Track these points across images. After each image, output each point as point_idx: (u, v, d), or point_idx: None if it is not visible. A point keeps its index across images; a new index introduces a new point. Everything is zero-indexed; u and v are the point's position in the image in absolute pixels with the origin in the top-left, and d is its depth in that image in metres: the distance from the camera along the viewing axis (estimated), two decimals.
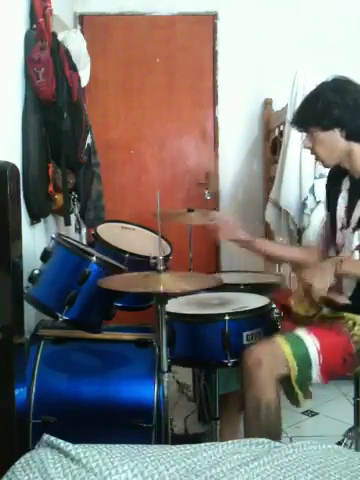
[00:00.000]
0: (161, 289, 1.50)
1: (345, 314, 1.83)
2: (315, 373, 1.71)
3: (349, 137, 1.76)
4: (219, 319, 1.76)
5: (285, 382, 1.71)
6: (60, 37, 2.37)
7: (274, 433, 1.66)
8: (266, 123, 3.71)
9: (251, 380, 1.66)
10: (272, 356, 1.67)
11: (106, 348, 1.93)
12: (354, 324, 1.78)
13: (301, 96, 2.71)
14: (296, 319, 1.92)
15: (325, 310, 1.96)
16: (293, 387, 1.70)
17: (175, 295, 2.00)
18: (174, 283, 1.59)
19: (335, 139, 1.77)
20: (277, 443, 1.27)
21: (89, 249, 1.97)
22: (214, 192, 3.81)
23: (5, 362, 1.46)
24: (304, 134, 1.86)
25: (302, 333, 1.75)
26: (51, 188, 2.37)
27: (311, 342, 1.72)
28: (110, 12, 3.73)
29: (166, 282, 1.54)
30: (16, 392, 1.49)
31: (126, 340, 1.93)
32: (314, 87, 1.83)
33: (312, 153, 1.86)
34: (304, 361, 1.69)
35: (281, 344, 1.70)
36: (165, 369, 1.60)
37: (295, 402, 1.75)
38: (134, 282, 1.63)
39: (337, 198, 1.90)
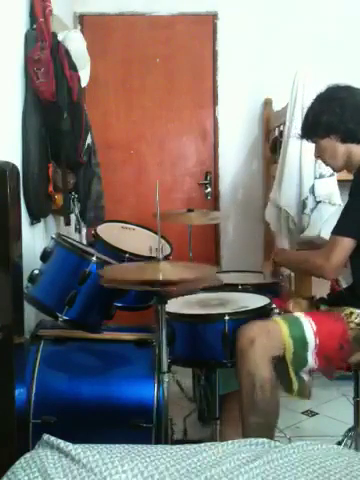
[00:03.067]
0: (160, 277, 1.49)
1: (342, 307, 1.86)
2: (310, 356, 1.72)
3: (344, 140, 1.87)
4: (219, 319, 1.76)
5: (280, 366, 1.71)
6: (60, 37, 2.37)
7: (271, 413, 1.66)
8: (266, 123, 3.71)
9: (244, 359, 1.67)
10: (267, 335, 1.68)
11: (106, 348, 1.93)
12: (351, 313, 1.81)
13: (301, 96, 2.72)
14: None
15: (322, 307, 1.98)
16: (288, 370, 1.70)
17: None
18: (173, 272, 1.59)
19: (333, 144, 1.89)
20: (277, 443, 1.27)
21: (89, 249, 1.97)
22: (214, 192, 3.82)
23: (5, 362, 1.46)
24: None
25: (299, 315, 1.78)
26: (51, 188, 2.37)
27: (308, 324, 1.74)
28: (110, 12, 3.73)
29: (165, 271, 1.53)
30: (16, 392, 1.48)
31: (126, 340, 1.93)
32: (317, 91, 1.98)
33: (322, 161, 2.01)
34: (300, 342, 1.71)
35: (278, 323, 1.72)
36: (165, 369, 1.61)
37: (288, 389, 1.75)
38: (133, 271, 1.62)
39: None
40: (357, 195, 1.83)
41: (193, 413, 2.46)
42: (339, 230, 1.80)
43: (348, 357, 1.79)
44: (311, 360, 1.72)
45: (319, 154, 1.97)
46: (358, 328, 1.79)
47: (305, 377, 1.78)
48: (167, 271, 1.54)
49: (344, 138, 1.86)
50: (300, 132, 2.01)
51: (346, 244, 1.77)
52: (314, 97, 1.96)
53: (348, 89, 1.89)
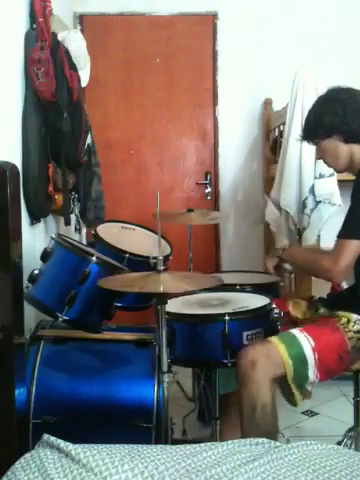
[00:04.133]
0: (161, 289, 1.50)
1: (340, 312, 1.85)
2: (311, 372, 1.72)
3: (347, 140, 1.87)
4: (219, 319, 1.76)
5: (282, 382, 1.71)
6: (60, 37, 2.37)
7: (270, 434, 1.66)
8: (266, 123, 3.71)
9: (246, 381, 1.67)
10: (267, 357, 1.68)
11: (106, 348, 1.93)
12: (348, 321, 1.80)
13: (301, 96, 2.72)
14: (294, 322, 1.94)
15: (322, 310, 1.97)
16: (290, 387, 1.71)
17: (175, 295, 2.00)
18: (174, 283, 1.59)
19: (335, 145, 1.88)
20: (277, 443, 1.27)
21: (89, 249, 1.97)
22: (214, 192, 3.82)
23: (5, 362, 1.46)
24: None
25: (296, 332, 1.77)
26: (51, 188, 2.37)
27: (306, 341, 1.73)
28: (110, 12, 3.73)
29: (166, 282, 1.54)
30: (16, 392, 1.48)
31: (126, 340, 1.93)
32: (323, 91, 1.96)
33: (324, 162, 1.99)
34: (300, 360, 1.70)
35: (276, 344, 1.71)
36: (165, 369, 1.61)
37: (292, 402, 1.76)
38: (133, 282, 1.63)
39: None
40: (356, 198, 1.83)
41: (193, 413, 2.46)
42: (346, 233, 1.78)
43: (348, 366, 1.79)
44: (312, 375, 1.72)
45: (321, 156, 1.97)
46: (357, 337, 1.78)
47: (309, 388, 1.79)
48: (167, 283, 1.54)
49: (347, 138, 1.86)
50: (301, 134, 2.01)
51: (354, 246, 1.75)
52: (315, 99, 1.96)
53: (349, 91, 1.89)
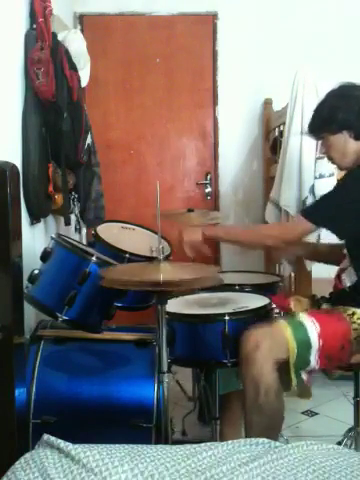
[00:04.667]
0: (161, 278, 1.49)
1: (345, 307, 1.85)
2: (313, 357, 1.72)
3: (358, 137, 1.86)
4: (219, 319, 1.76)
5: (280, 365, 1.71)
6: (60, 37, 2.37)
7: (274, 418, 1.66)
8: (266, 123, 3.71)
9: (249, 363, 1.66)
10: (272, 339, 1.68)
11: (106, 348, 1.93)
12: (353, 313, 1.81)
13: (301, 96, 2.72)
14: None
15: (324, 306, 1.98)
16: (289, 370, 1.71)
17: (175, 295, 2.00)
18: (174, 272, 1.59)
19: (345, 141, 1.87)
20: (277, 443, 1.27)
21: (89, 249, 1.97)
22: (214, 192, 3.82)
23: (5, 362, 1.46)
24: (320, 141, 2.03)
25: (303, 317, 1.78)
26: (51, 188, 2.37)
27: (312, 326, 1.74)
28: (110, 12, 3.73)
29: (166, 271, 1.53)
30: (16, 392, 1.48)
31: (126, 340, 1.93)
32: (323, 91, 1.96)
33: (328, 158, 1.97)
34: (304, 345, 1.71)
35: (282, 327, 1.72)
36: (165, 369, 1.60)
37: (286, 386, 1.75)
38: (134, 272, 1.62)
39: None
40: (343, 191, 1.85)
41: (193, 413, 2.46)
42: (309, 213, 1.86)
43: (348, 357, 1.79)
44: (313, 361, 1.72)
45: (326, 151, 1.95)
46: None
47: (304, 376, 1.78)
48: (168, 272, 1.54)
49: (358, 135, 1.85)
50: (309, 127, 1.97)
51: (306, 228, 1.84)
52: (327, 93, 1.92)
53: None
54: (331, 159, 1.96)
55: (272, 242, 1.93)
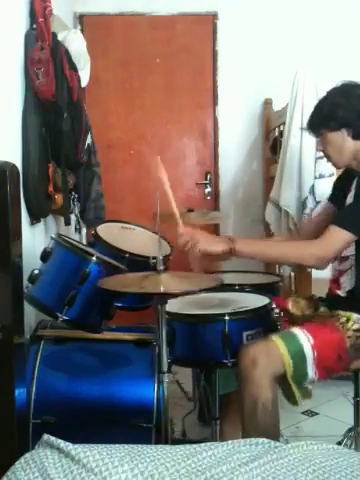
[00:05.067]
0: (161, 289, 1.50)
1: (340, 312, 1.85)
2: (310, 369, 1.71)
3: (356, 137, 1.84)
4: (219, 319, 1.76)
5: (282, 381, 1.71)
6: (60, 37, 2.37)
7: (272, 433, 1.66)
8: (266, 123, 3.71)
9: (247, 380, 1.67)
10: (267, 355, 1.68)
11: (106, 348, 1.93)
12: (348, 320, 1.80)
13: (301, 96, 2.72)
14: (293, 320, 1.94)
15: (322, 309, 1.97)
16: (290, 385, 1.71)
17: (175, 295, 2.00)
18: (174, 283, 1.59)
19: (343, 139, 1.85)
20: (277, 443, 1.27)
21: (89, 249, 1.97)
22: (214, 192, 3.82)
23: (5, 362, 1.46)
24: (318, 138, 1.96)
25: (296, 330, 1.77)
26: (51, 188, 2.37)
27: (305, 338, 1.73)
28: (110, 12, 3.73)
29: (166, 282, 1.54)
30: (16, 392, 1.48)
31: (126, 340, 1.93)
32: (323, 91, 1.94)
33: (325, 155, 1.95)
34: (299, 357, 1.70)
35: (276, 342, 1.71)
36: (165, 369, 1.60)
37: (293, 401, 1.76)
38: (134, 282, 1.63)
39: (346, 196, 1.94)
40: None
41: (193, 413, 2.46)
42: (343, 222, 1.79)
43: (347, 366, 1.79)
44: (311, 373, 1.72)
45: (323, 148, 1.93)
46: (355, 335, 1.78)
47: (308, 387, 1.79)
48: (167, 283, 1.54)
49: (356, 135, 1.84)
50: (308, 122, 1.95)
51: (346, 237, 1.77)
52: (329, 90, 1.91)
53: None
54: (327, 156, 1.94)
55: (314, 262, 1.83)
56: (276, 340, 1.72)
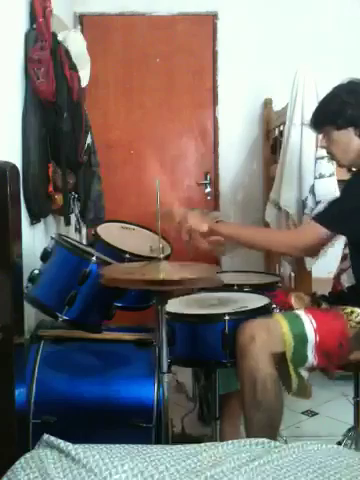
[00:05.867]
0: (161, 276, 1.49)
1: (343, 306, 1.85)
2: (310, 353, 1.71)
3: None
4: (219, 319, 1.76)
5: (280, 364, 1.71)
6: (60, 37, 2.36)
7: (273, 411, 1.65)
8: (266, 123, 3.71)
9: (244, 355, 1.66)
10: (267, 332, 1.68)
11: (106, 348, 1.93)
12: (352, 312, 1.80)
13: (301, 96, 2.72)
14: None
15: (324, 305, 1.98)
16: (287, 367, 1.70)
17: (175, 295, 2.00)
18: (174, 271, 1.58)
19: (349, 138, 1.85)
20: (277, 443, 1.27)
21: (89, 249, 1.97)
22: (214, 192, 3.82)
23: (5, 362, 1.46)
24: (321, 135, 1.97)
25: (300, 312, 1.78)
26: (51, 188, 2.37)
27: (308, 321, 1.73)
28: (110, 12, 3.73)
29: (166, 270, 1.53)
30: (16, 392, 1.48)
31: (126, 340, 1.93)
32: (323, 91, 1.95)
33: (328, 152, 1.95)
34: (300, 339, 1.70)
35: (278, 320, 1.71)
36: (165, 369, 1.60)
37: (288, 386, 1.75)
38: (134, 271, 1.63)
39: None
40: (355, 194, 1.84)
41: (193, 413, 2.46)
42: (321, 218, 1.84)
43: (347, 355, 1.79)
44: (311, 357, 1.72)
45: (327, 145, 1.92)
46: (358, 327, 1.79)
47: (304, 375, 1.77)
48: (167, 271, 1.54)
49: None
50: (312, 119, 1.94)
51: (321, 233, 1.80)
52: (335, 87, 1.90)
53: None
54: (331, 154, 1.94)
55: (284, 249, 1.92)
56: (279, 319, 1.72)
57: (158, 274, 1.50)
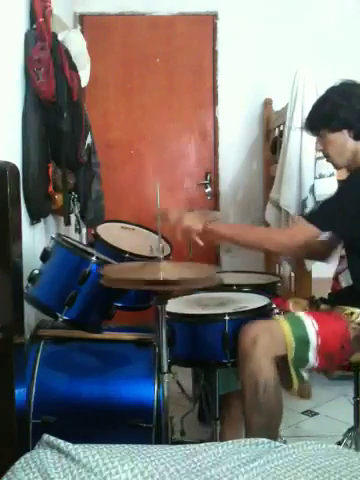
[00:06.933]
0: (161, 276, 1.49)
1: (343, 307, 1.86)
2: (312, 355, 1.71)
3: (357, 137, 1.84)
4: (219, 319, 1.76)
5: (281, 364, 1.71)
6: (60, 37, 2.36)
7: (275, 414, 1.65)
8: (266, 123, 3.71)
9: (246, 358, 1.66)
10: (270, 334, 1.68)
11: (106, 348, 1.93)
12: (352, 313, 1.81)
13: (301, 96, 2.72)
14: None
15: (323, 306, 1.98)
16: (288, 368, 1.70)
17: (175, 295, 2.00)
18: (174, 271, 1.59)
19: (344, 139, 1.85)
20: (277, 443, 1.27)
21: (89, 249, 1.97)
22: (214, 192, 3.82)
23: (5, 362, 1.46)
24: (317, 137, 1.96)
25: (302, 314, 1.78)
26: (51, 188, 2.37)
27: (310, 323, 1.74)
28: (110, 12, 3.73)
29: (166, 270, 1.53)
30: (16, 392, 1.48)
31: (126, 340, 1.93)
32: (323, 91, 1.93)
33: (324, 155, 1.95)
34: (302, 341, 1.71)
35: (281, 323, 1.72)
36: (165, 369, 1.61)
37: (288, 386, 1.75)
38: (134, 271, 1.63)
39: None
40: (344, 194, 1.84)
41: (193, 413, 2.46)
42: (311, 217, 1.84)
43: (348, 357, 1.79)
44: (312, 359, 1.72)
45: (323, 148, 1.92)
46: (359, 328, 1.79)
47: (305, 375, 1.78)
48: (167, 271, 1.54)
49: (358, 135, 1.84)
50: (308, 122, 1.95)
51: (311, 231, 1.80)
52: (328, 89, 1.90)
53: None
54: (327, 156, 1.94)
55: (275, 247, 1.92)
56: (281, 321, 1.72)
57: (158, 274, 1.50)
